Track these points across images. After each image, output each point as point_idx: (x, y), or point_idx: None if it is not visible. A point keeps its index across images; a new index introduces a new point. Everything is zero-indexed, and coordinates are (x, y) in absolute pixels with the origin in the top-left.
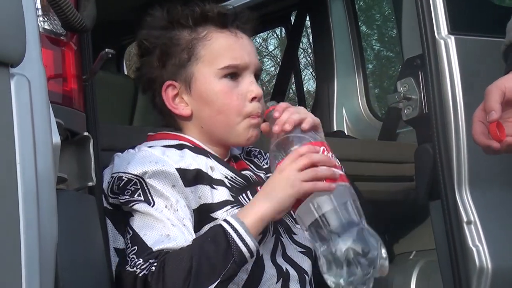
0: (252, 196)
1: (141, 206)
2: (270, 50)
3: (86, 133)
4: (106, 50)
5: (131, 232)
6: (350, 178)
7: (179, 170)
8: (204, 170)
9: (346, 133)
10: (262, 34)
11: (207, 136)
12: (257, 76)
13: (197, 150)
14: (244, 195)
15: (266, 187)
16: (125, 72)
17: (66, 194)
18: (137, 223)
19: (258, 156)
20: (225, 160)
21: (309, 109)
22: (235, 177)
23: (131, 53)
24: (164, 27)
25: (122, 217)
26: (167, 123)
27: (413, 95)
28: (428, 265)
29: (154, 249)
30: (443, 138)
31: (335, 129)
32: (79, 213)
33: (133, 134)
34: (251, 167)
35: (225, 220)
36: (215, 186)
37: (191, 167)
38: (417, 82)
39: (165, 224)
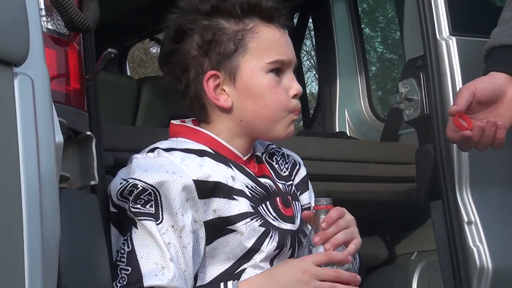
0: (272, 207)
1: (148, 224)
2: None
3: (88, 133)
4: (109, 50)
5: (130, 246)
6: (353, 178)
7: (196, 181)
8: (224, 181)
9: (348, 134)
10: None
11: (241, 129)
12: (293, 73)
13: (218, 157)
14: (263, 205)
15: (280, 282)
16: (128, 73)
17: (69, 192)
18: (138, 238)
19: (281, 161)
20: (247, 157)
21: (311, 111)
22: (255, 187)
23: (134, 54)
24: (207, 13)
25: (127, 220)
26: (196, 113)
27: (414, 96)
28: (430, 266)
29: (145, 284)
30: (444, 138)
31: (337, 130)
32: (81, 212)
33: (136, 134)
34: (271, 174)
35: None
36: (235, 197)
37: (210, 179)
38: (418, 83)
39: (164, 254)
